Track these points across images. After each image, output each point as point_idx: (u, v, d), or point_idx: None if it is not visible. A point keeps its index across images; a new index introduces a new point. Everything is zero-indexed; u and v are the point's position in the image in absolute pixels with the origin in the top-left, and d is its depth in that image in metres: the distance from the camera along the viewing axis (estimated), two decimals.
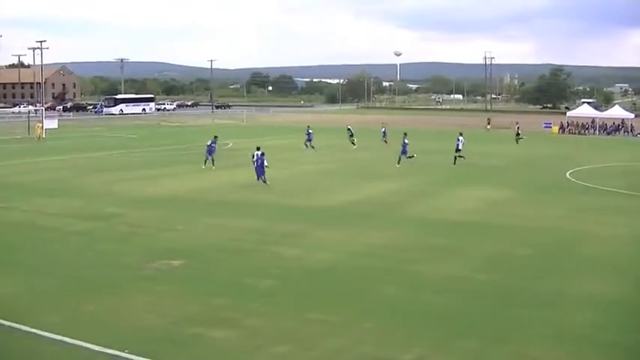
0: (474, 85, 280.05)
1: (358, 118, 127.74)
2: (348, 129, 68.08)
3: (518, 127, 73.48)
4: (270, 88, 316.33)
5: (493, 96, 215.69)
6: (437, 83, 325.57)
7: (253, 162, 38.64)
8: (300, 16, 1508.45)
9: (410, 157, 48.76)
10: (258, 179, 38.33)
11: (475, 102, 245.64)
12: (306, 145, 61.47)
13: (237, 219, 29.00)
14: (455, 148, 50.83)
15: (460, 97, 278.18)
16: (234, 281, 19.71)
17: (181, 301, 17.75)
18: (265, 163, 38.11)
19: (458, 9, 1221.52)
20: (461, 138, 51.08)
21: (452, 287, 19.18)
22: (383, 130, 68.97)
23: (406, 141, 49.14)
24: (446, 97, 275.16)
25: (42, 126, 79.47)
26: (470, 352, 14.68)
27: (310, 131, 62.70)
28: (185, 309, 17.09)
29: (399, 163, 48.37)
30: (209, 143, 47.44)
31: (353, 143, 64.70)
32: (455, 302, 17.87)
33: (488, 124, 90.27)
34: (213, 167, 46.31)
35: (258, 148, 38.78)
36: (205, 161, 47.24)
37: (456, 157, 50.02)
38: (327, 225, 27.76)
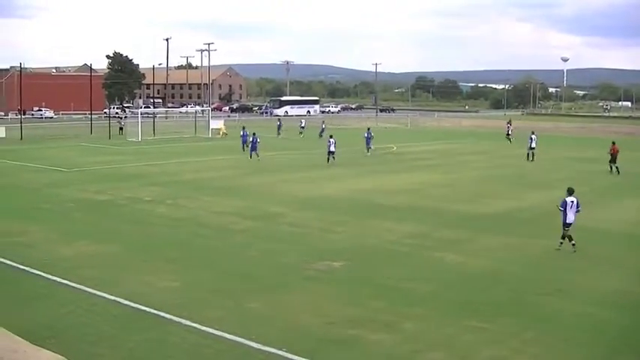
0: None
1: (526, 124, 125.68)
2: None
3: (509, 127, 73.97)
4: (432, 93, 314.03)
5: None
6: (605, 90, 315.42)
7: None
8: (463, 21, 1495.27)
9: (370, 148, 57.35)
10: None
11: None
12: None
13: (397, 222, 28.97)
14: (528, 146, 56.50)
15: (629, 104, 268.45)
16: (393, 285, 19.75)
17: (340, 303, 17.94)
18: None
19: (625, 13, 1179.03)
20: (533, 137, 56.82)
21: (614, 300, 18.59)
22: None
23: (372, 134, 58.31)
24: (614, 104, 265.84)
25: (223, 125, 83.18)
26: None
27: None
28: (344, 310, 17.26)
29: (367, 151, 57.01)
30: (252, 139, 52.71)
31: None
32: (616, 316, 17.33)
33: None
34: (250, 158, 52.22)
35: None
36: (244, 149, 55.63)
37: (532, 154, 55.78)
38: (489, 232, 27.40)
